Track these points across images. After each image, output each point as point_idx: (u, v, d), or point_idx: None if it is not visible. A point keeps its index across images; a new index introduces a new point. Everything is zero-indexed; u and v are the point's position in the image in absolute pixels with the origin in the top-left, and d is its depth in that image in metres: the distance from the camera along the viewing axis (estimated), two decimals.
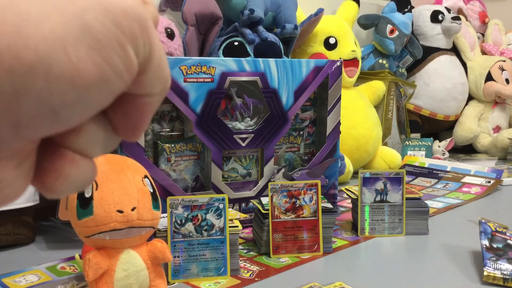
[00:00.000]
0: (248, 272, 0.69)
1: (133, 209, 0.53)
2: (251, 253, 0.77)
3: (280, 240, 0.75)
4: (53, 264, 0.72)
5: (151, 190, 0.56)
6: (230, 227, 0.67)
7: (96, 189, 0.53)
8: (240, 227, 0.69)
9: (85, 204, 0.53)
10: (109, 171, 0.54)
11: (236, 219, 0.70)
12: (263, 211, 0.76)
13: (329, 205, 0.79)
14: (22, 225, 0.81)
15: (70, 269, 0.70)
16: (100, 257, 0.53)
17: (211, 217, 0.67)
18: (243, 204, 0.88)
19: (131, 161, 0.58)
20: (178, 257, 0.66)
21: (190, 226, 0.66)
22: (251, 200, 0.85)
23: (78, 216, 0.53)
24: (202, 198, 0.66)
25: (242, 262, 0.72)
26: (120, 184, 0.54)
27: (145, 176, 0.57)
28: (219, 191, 0.84)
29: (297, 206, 0.75)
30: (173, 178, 0.83)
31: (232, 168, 0.88)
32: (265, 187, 0.87)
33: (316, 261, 0.74)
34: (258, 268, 0.71)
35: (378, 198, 0.84)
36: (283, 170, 0.91)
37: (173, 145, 0.83)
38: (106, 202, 0.52)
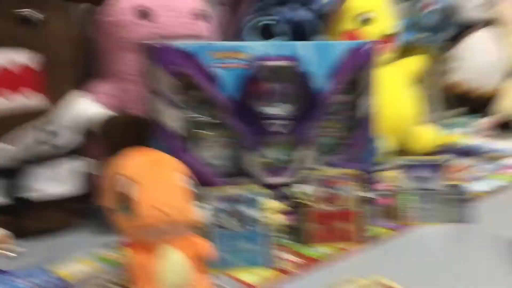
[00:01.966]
0: (287, 263, 0.68)
1: (174, 208, 0.53)
2: (290, 242, 0.76)
3: (319, 229, 0.74)
4: (97, 251, 0.73)
5: (191, 188, 0.55)
6: (269, 218, 0.67)
7: (136, 188, 0.53)
8: (280, 218, 0.68)
9: (125, 202, 0.52)
10: (149, 169, 0.54)
11: (275, 209, 0.69)
12: (300, 200, 0.74)
13: (369, 194, 0.77)
14: (64, 211, 0.82)
15: (114, 257, 0.71)
16: (141, 255, 0.53)
17: (249, 209, 0.66)
18: (280, 191, 0.86)
19: (170, 159, 0.57)
20: (218, 249, 0.65)
21: (229, 219, 0.65)
22: (288, 188, 0.84)
23: (118, 214, 0.53)
24: (240, 190, 0.66)
25: (281, 252, 0.72)
26: (160, 182, 0.53)
27: (184, 174, 0.56)
28: (255, 178, 0.83)
29: (335, 195, 0.74)
30: (209, 166, 0.82)
31: (269, 154, 0.87)
32: (302, 174, 0.86)
33: (355, 252, 0.73)
34: (297, 259, 0.70)
35: (418, 185, 0.82)
36: (318, 156, 0.89)
37: (209, 132, 0.82)
38: (146, 201, 0.52)
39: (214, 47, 0.77)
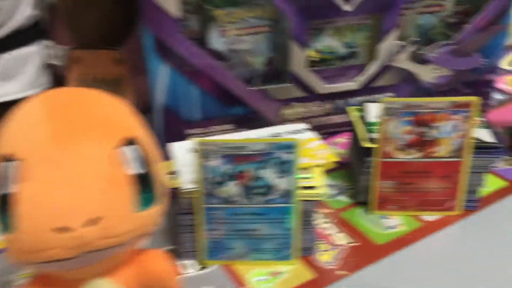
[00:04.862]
0: (329, 250, 0.43)
1: (89, 223, 0.27)
2: (340, 198, 0.49)
3: (391, 190, 0.46)
4: None
5: (138, 171, 0.28)
6: (304, 188, 0.39)
7: (21, 179, 0.27)
8: (324, 189, 0.40)
9: (1, 206, 0.27)
10: (48, 137, 0.27)
11: (319, 166, 0.41)
12: (364, 144, 0.45)
13: (488, 137, 0.45)
14: None
15: None
16: None
17: (269, 173, 0.38)
18: (339, 103, 0.57)
19: (98, 105, 0.29)
20: (215, 230, 0.41)
21: (233, 187, 0.39)
22: (349, 106, 0.54)
23: None
24: (254, 143, 0.37)
25: (323, 220, 0.46)
26: (65, 168, 0.27)
27: (129, 142, 0.29)
28: (301, 83, 0.54)
29: (427, 139, 0.43)
30: (229, 63, 0.53)
31: (326, 46, 0.55)
32: (379, 77, 0.55)
33: (449, 227, 0.45)
34: (347, 240, 0.44)
35: None
36: (410, 47, 0.55)
37: (230, 10, 0.51)
38: (36, 211, 0.26)
39: None
